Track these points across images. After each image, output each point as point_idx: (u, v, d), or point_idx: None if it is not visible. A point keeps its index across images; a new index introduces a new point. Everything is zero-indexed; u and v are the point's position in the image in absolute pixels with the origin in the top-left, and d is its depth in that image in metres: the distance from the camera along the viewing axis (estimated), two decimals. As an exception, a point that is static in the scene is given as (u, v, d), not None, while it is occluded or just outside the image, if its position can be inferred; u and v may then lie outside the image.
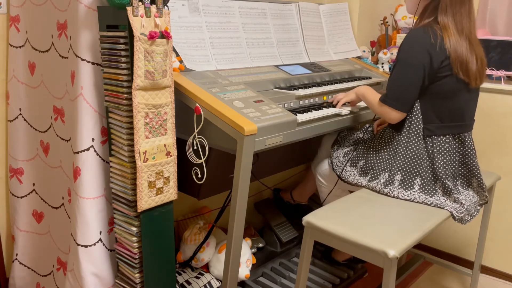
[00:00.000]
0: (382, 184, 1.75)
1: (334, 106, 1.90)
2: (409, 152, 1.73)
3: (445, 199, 1.71)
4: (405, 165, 1.73)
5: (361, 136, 1.98)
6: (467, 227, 2.48)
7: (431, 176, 1.72)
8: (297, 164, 2.39)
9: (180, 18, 1.78)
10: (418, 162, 1.72)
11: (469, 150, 1.75)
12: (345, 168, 1.89)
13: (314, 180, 2.26)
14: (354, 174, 1.86)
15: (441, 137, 1.72)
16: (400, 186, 1.74)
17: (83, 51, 1.47)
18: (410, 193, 1.72)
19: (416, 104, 1.71)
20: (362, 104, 1.95)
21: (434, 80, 1.67)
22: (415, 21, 1.79)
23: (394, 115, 1.72)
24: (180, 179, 1.63)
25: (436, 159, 1.71)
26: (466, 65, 1.66)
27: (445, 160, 1.72)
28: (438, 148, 1.71)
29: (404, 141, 1.74)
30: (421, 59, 1.63)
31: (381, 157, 1.79)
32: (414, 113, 1.71)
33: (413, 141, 1.72)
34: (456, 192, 1.71)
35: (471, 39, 1.69)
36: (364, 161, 1.83)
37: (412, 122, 1.72)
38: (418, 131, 1.72)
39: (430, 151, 1.72)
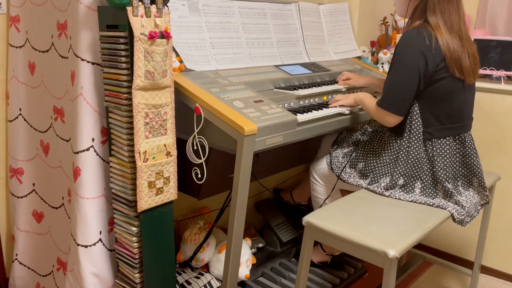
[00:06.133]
0: (383, 188, 1.75)
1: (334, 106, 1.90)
2: (410, 156, 1.72)
3: (446, 201, 1.71)
4: (407, 169, 1.73)
5: (360, 137, 1.98)
6: (467, 227, 2.48)
7: (431, 179, 1.72)
8: (297, 164, 2.39)
9: (180, 18, 1.78)
10: (419, 165, 1.72)
11: (469, 150, 1.75)
12: (344, 169, 1.89)
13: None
14: (354, 176, 1.86)
15: (441, 139, 1.72)
16: (401, 190, 1.74)
17: (83, 51, 1.47)
18: (411, 195, 1.72)
19: (415, 108, 1.70)
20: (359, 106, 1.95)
21: (430, 83, 1.66)
22: (406, 23, 1.79)
23: (390, 119, 1.72)
24: (180, 179, 1.63)
25: (436, 162, 1.70)
26: (460, 62, 1.65)
27: (445, 163, 1.71)
28: (438, 151, 1.71)
29: (405, 146, 1.73)
30: (416, 62, 1.63)
31: (382, 161, 1.78)
32: (414, 117, 1.71)
33: (414, 145, 1.72)
34: (457, 193, 1.71)
35: (462, 36, 1.68)
36: (364, 163, 1.83)
37: (413, 126, 1.71)
38: (419, 135, 1.71)
39: (430, 155, 1.72)
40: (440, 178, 1.70)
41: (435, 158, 1.71)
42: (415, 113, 1.71)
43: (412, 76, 1.64)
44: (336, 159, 1.94)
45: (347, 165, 1.89)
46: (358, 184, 1.83)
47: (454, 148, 1.74)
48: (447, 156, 1.72)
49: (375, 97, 1.83)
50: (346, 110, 1.87)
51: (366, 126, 2.02)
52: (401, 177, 1.73)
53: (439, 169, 1.70)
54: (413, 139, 1.72)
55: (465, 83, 1.70)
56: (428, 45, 1.62)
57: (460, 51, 1.65)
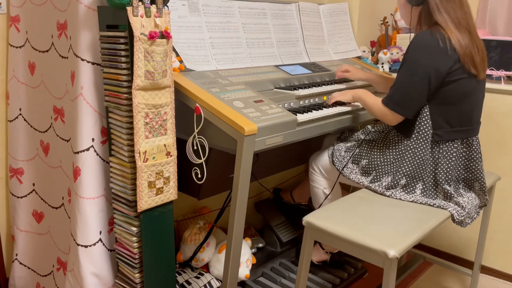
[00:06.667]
0: (384, 187, 1.75)
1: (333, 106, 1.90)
2: (416, 157, 1.72)
3: (447, 202, 1.70)
4: (411, 170, 1.72)
5: (362, 137, 1.97)
6: (467, 227, 2.47)
7: (433, 181, 1.72)
8: (297, 164, 2.39)
9: (180, 18, 1.78)
10: (423, 167, 1.71)
11: (475, 154, 1.74)
12: (346, 164, 1.88)
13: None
14: (356, 172, 1.85)
15: (450, 142, 1.71)
16: (402, 190, 1.73)
17: (83, 51, 1.47)
18: (412, 196, 1.72)
19: (426, 110, 1.69)
20: (358, 104, 1.95)
21: (442, 85, 1.65)
22: (414, 32, 1.77)
23: (393, 118, 1.71)
24: (180, 179, 1.63)
25: (440, 164, 1.70)
26: (472, 58, 1.65)
27: (449, 165, 1.71)
28: (444, 153, 1.70)
29: (412, 147, 1.72)
30: (428, 65, 1.62)
31: (386, 160, 1.78)
32: (424, 119, 1.70)
33: (421, 147, 1.71)
34: (457, 195, 1.71)
35: (471, 30, 1.67)
36: (367, 160, 1.82)
37: (421, 128, 1.70)
38: (427, 136, 1.70)
39: (436, 157, 1.71)
40: (441, 180, 1.69)
41: (440, 160, 1.70)
42: (424, 114, 1.69)
43: (422, 78, 1.63)
44: (338, 152, 1.93)
45: (349, 160, 1.88)
46: (360, 182, 1.82)
47: (461, 151, 1.73)
48: (453, 159, 1.71)
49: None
50: (346, 108, 1.85)
51: (368, 126, 2.02)
52: (403, 177, 1.73)
53: (441, 171, 1.70)
54: (421, 140, 1.71)
55: (478, 82, 1.69)
56: (443, 47, 1.61)
57: (471, 46, 1.65)
